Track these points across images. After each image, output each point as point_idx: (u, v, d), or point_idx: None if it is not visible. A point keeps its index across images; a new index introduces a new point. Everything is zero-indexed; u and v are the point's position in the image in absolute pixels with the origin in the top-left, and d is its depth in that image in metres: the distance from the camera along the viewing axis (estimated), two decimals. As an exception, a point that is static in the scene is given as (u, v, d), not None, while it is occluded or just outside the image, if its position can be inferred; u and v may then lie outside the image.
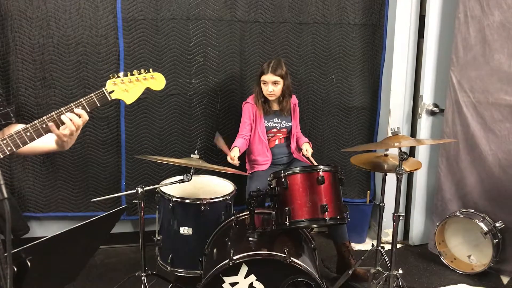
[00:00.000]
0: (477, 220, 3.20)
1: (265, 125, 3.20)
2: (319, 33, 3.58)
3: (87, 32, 3.22)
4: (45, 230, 3.50)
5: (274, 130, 3.24)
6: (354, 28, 3.62)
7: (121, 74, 1.85)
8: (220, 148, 3.06)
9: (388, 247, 2.78)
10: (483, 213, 3.25)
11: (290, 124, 3.27)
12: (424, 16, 3.44)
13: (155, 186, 2.66)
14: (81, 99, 1.73)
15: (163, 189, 2.86)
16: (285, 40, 3.55)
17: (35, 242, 1.30)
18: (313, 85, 3.66)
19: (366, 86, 3.74)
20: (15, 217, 3.28)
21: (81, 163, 3.38)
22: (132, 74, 1.88)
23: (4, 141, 1.61)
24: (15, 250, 1.23)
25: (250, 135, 3.21)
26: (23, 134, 1.62)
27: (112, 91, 1.82)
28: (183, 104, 3.46)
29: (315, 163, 3.12)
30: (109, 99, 1.82)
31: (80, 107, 1.72)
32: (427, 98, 3.51)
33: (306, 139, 3.37)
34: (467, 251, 3.37)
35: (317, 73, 3.65)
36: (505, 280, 3.20)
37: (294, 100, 3.32)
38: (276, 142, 3.27)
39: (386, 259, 2.78)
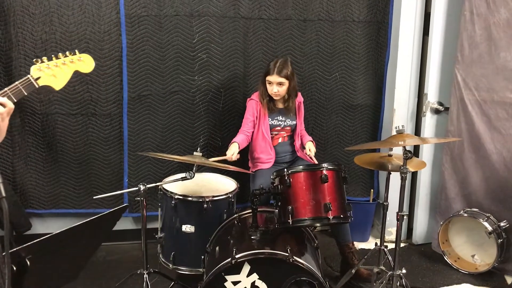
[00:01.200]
0: (481, 220, 3.17)
1: (269, 123, 3.18)
2: (323, 30, 3.56)
3: (90, 28, 3.21)
4: (47, 227, 3.50)
5: (278, 128, 3.22)
6: (358, 25, 3.59)
7: (45, 58, 1.76)
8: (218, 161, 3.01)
9: (391, 246, 2.77)
10: (488, 213, 3.23)
11: (294, 122, 3.25)
12: (429, 13, 3.42)
13: (157, 184, 2.65)
14: (5, 88, 1.61)
15: (166, 186, 2.85)
16: (289, 37, 3.53)
17: (35, 241, 1.28)
18: (317, 83, 3.64)
19: (370, 84, 3.71)
20: (17, 214, 3.28)
21: (83, 160, 3.38)
22: (57, 58, 1.78)
23: None
24: (14, 249, 1.22)
25: (253, 132, 3.19)
26: None
27: (39, 78, 1.73)
28: (186, 101, 3.45)
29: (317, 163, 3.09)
30: (36, 86, 1.72)
31: (6, 97, 1.57)
32: (432, 96, 3.48)
33: (310, 138, 3.35)
34: (471, 250, 3.35)
35: (321, 71, 3.63)
36: (509, 280, 3.18)
37: (299, 98, 3.30)
38: (280, 140, 3.25)
39: (390, 258, 2.77)
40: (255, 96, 3.22)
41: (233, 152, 2.97)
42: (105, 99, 3.31)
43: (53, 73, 1.76)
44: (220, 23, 3.39)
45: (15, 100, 1.63)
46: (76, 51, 1.87)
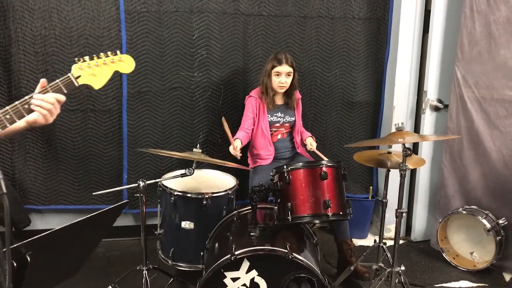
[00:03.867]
0: (480, 217, 3.18)
1: (269, 119, 3.19)
2: (323, 27, 3.55)
3: (89, 24, 3.20)
4: (46, 222, 3.50)
5: (277, 124, 3.23)
6: (358, 22, 3.59)
7: (87, 57, 1.76)
8: (224, 132, 3.00)
9: (390, 243, 2.77)
10: (486, 210, 3.24)
11: (293, 119, 3.25)
12: (430, 10, 3.41)
13: (157, 180, 2.65)
14: (47, 86, 1.64)
15: (165, 183, 2.85)
16: (289, 34, 3.52)
17: (35, 237, 1.28)
18: (317, 80, 3.64)
19: (370, 81, 3.71)
20: (17, 210, 3.28)
21: (82, 156, 3.37)
22: (99, 57, 1.79)
23: None
24: (15, 245, 1.22)
25: (253, 129, 3.19)
26: (2, 117, 1.54)
27: (79, 76, 1.73)
28: (185, 97, 3.44)
29: (323, 156, 3.09)
30: (76, 85, 1.73)
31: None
32: (431, 93, 3.48)
33: (309, 133, 3.36)
34: (470, 248, 3.36)
35: (321, 67, 3.62)
36: (507, 277, 3.19)
37: (297, 95, 3.30)
38: (279, 136, 3.26)
39: (388, 255, 2.77)
40: (254, 93, 3.21)
41: (237, 145, 2.96)
42: (105, 95, 3.30)
43: (94, 72, 1.77)
44: (220, 19, 3.38)
45: None
46: (118, 51, 1.86)
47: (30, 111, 1.59)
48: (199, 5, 3.32)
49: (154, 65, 3.34)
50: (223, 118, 2.96)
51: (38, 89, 1.63)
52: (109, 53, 1.83)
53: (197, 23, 3.35)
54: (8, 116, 1.55)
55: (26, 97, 1.58)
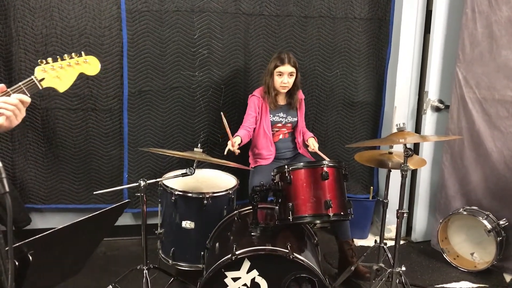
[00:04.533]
0: (480, 218, 3.18)
1: (271, 119, 3.18)
2: (325, 27, 3.55)
3: (90, 23, 3.20)
4: (46, 222, 3.50)
5: (279, 125, 3.22)
6: (360, 22, 3.59)
7: (50, 59, 1.71)
8: (223, 127, 2.99)
9: (390, 243, 2.77)
10: (487, 211, 3.24)
11: (295, 119, 3.25)
12: (431, 11, 3.41)
13: (157, 180, 2.65)
14: (8, 89, 1.58)
15: (166, 182, 2.85)
16: (290, 34, 3.52)
17: (37, 236, 1.28)
18: (318, 80, 3.64)
19: (371, 81, 3.71)
20: (17, 209, 3.28)
21: (83, 155, 3.37)
22: (62, 59, 1.73)
23: None
24: (17, 244, 1.22)
25: (255, 128, 3.19)
26: None
27: (43, 79, 1.68)
28: (186, 97, 3.44)
29: (325, 157, 3.08)
30: (40, 87, 1.67)
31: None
32: (432, 94, 3.48)
33: (311, 134, 3.35)
34: (470, 248, 3.35)
35: (322, 68, 3.62)
36: (508, 278, 3.19)
37: (300, 95, 3.30)
38: (280, 136, 3.25)
39: (389, 255, 2.77)
40: (257, 92, 3.21)
41: (235, 141, 2.95)
42: (106, 94, 3.30)
43: (58, 74, 1.72)
44: (221, 19, 3.38)
45: None
46: (82, 52, 1.83)
47: None
48: (200, 5, 3.32)
49: (155, 64, 3.33)
50: (221, 113, 2.95)
51: None
52: (73, 54, 1.78)
53: (198, 23, 3.34)
54: None
55: None
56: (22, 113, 1.57)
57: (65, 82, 1.75)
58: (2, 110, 1.52)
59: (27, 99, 1.57)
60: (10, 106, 1.52)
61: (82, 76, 3.20)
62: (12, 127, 1.57)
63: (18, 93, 1.59)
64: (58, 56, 1.74)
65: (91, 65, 1.82)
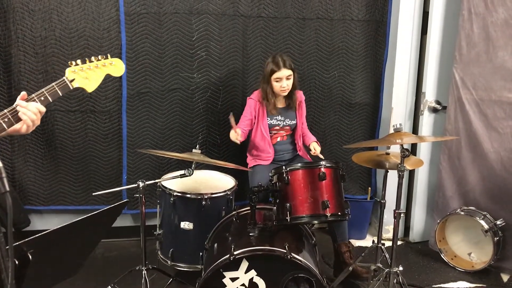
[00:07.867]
0: (478, 218, 3.19)
1: (268, 122, 3.18)
2: (322, 28, 3.57)
3: (89, 26, 3.21)
4: (45, 223, 3.51)
5: (277, 127, 3.22)
6: (357, 24, 3.60)
7: (79, 61, 1.81)
8: (231, 125, 3.00)
9: (388, 243, 2.78)
10: (484, 211, 3.25)
11: (294, 122, 3.25)
12: (428, 12, 3.43)
13: (156, 181, 2.66)
14: (43, 89, 1.68)
15: (164, 183, 2.86)
16: (288, 36, 3.54)
17: (37, 235, 1.29)
18: (316, 81, 3.65)
19: (369, 83, 3.73)
20: (16, 210, 3.29)
21: (82, 156, 3.38)
22: (91, 61, 1.83)
23: None
24: (17, 243, 1.23)
25: (251, 131, 3.20)
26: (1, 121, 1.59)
27: (73, 79, 1.78)
28: (185, 98, 3.45)
29: (323, 158, 3.08)
30: (71, 88, 1.77)
31: (42, 98, 1.68)
32: (430, 95, 3.49)
33: (314, 138, 3.33)
34: (468, 248, 3.37)
35: (320, 69, 3.64)
36: (505, 278, 3.20)
37: (301, 96, 3.30)
38: (278, 139, 3.25)
39: (387, 255, 2.78)
40: (254, 95, 3.21)
41: (238, 131, 2.96)
42: (104, 96, 3.31)
43: (87, 75, 1.81)
44: (219, 21, 3.40)
45: (51, 100, 1.71)
46: (108, 55, 1.92)
47: (18, 119, 1.62)
48: (198, 7, 3.33)
49: (153, 66, 3.35)
50: (231, 113, 2.97)
51: (18, 100, 1.65)
52: (99, 56, 1.88)
53: (196, 25, 3.36)
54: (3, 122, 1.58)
55: (12, 106, 1.62)
56: (38, 122, 1.67)
57: (93, 83, 1.84)
58: (25, 117, 1.62)
59: (43, 108, 1.67)
60: (31, 114, 1.62)
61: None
62: (27, 133, 1.67)
63: (51, 93, 1.69)
64: (86, 58, 1.84)
65: (116, 67, 1.92)
